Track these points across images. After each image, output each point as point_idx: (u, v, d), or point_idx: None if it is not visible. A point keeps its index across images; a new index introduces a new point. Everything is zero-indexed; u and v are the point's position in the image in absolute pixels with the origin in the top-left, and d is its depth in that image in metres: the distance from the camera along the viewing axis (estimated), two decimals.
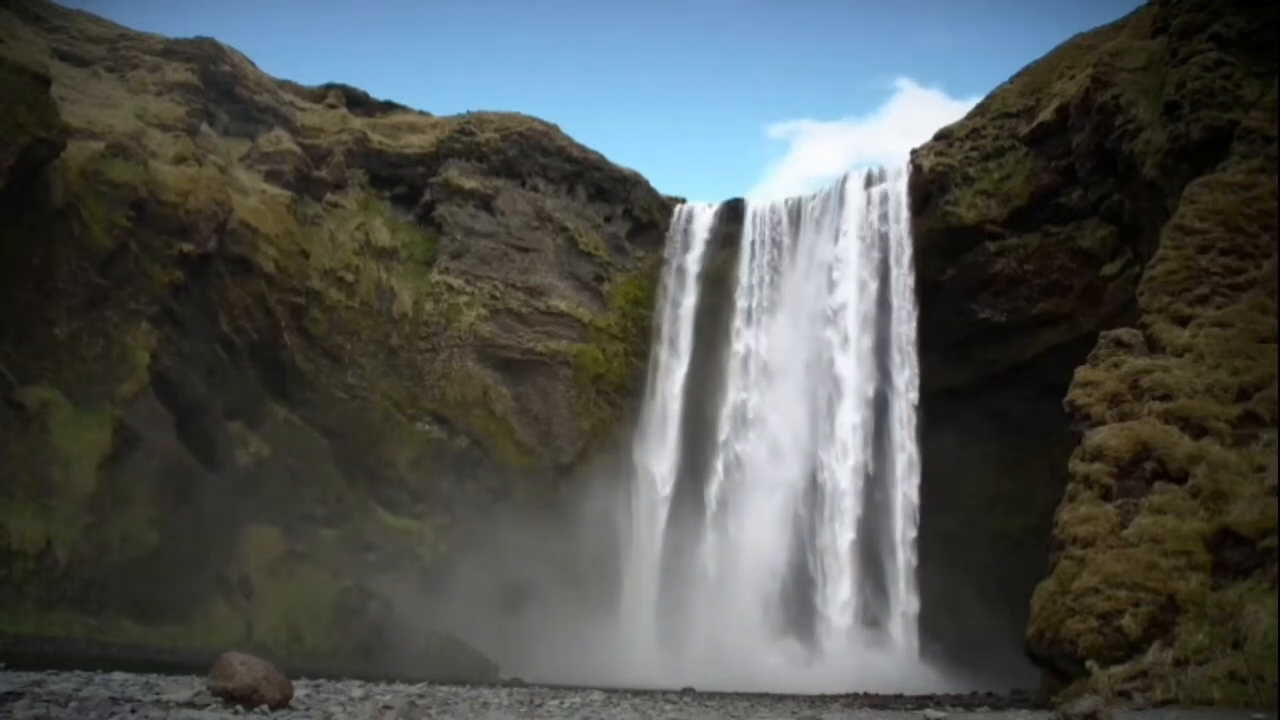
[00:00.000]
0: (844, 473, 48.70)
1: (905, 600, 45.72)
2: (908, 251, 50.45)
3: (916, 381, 48.74)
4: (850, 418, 49.46)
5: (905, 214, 51.23)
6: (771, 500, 50.84)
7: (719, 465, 53.35)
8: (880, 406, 49.42)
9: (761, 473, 52.06)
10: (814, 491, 49.39)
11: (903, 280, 50.31)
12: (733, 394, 54.44)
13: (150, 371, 45.94)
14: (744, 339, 55.31)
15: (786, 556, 49.21)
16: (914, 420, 48.26)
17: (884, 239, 51.68)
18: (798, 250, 55.84)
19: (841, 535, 47.66)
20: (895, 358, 49.62)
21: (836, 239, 53.03)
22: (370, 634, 46.81)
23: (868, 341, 50.44)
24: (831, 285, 52.18)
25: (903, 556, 46.45)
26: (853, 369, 50.17)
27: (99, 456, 42.22)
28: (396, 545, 53.09)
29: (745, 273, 56.66)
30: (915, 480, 47.32)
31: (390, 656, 44.45)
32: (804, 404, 51.28)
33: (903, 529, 46.92)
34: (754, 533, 50.92)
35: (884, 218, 52.07)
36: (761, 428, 53.11)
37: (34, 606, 38.20)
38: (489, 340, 58.19)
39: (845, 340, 50.80)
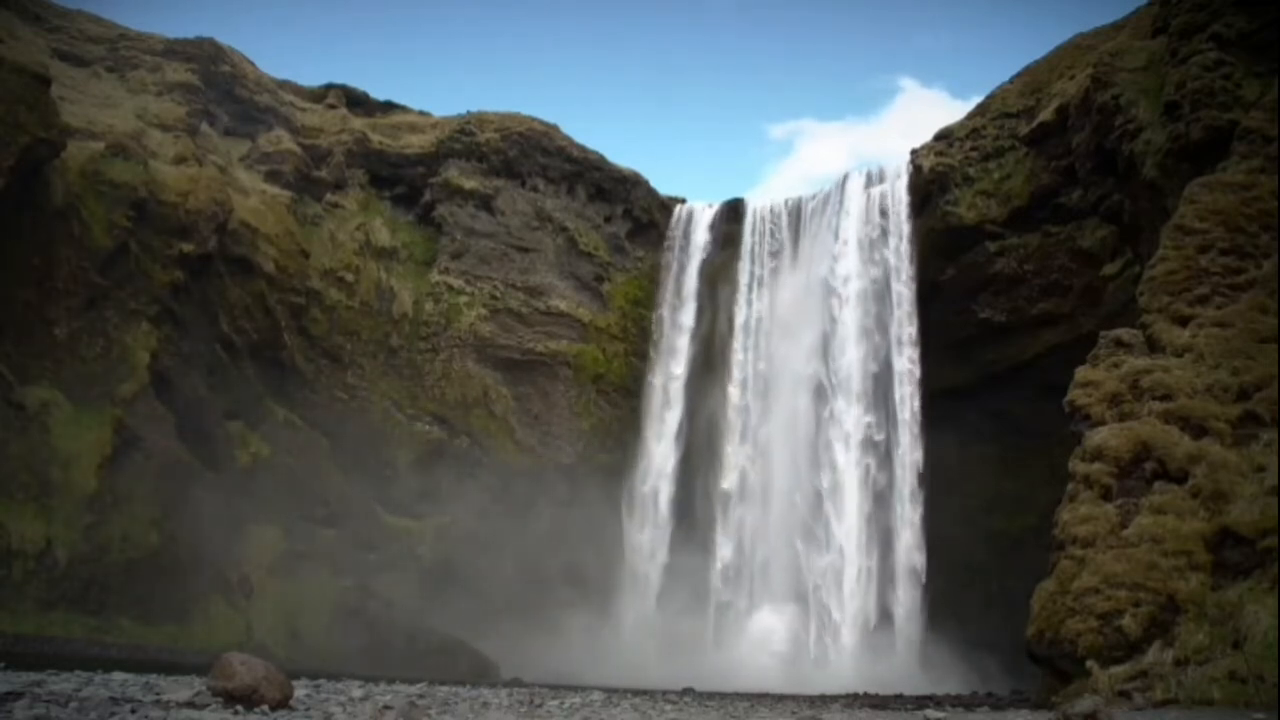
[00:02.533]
0: (845, 471, 48.68)
1: (906, 600, 45.73)
2: (907, 251, 50.46)
3: (917, 381, 48.74)
4: (851, 417, 49.46)
5: (905, 214, 51.24)
6: (773, 499, 50.87)
7: (720, 464, 53.33)
8: (881, 406, 49.41)
9: (763, 471, 52.07)
10: (815, 490, 49.37)
11: (903, 280, 50.31)
12: (733, 393, 54.42)
13: (150, 371, 45.94)
14: (745, 336, 55.30)
15: (788, 555, 49.21)
16: (915, 420, 48.25)
17: (884, 239, 51.67)
18: (798, 250, 55.85)
19: (843, 534, 47.65)
20: (895, 357, 49.61)
21: (836, 239, 53.01)
22: (370, 634, 46.78)
23: (868, 341, 50.45)
24: (831, 284, 52.17)
25: (904, 556, 46.45)
26: (853, 368, 50.17)
27: (99, 456, 42.21)
28: (396, 545, 53.07)
29: (745, 272, 56.66)
30: (916, 479, 47.32)
31: (390, 656, 44.43)
32: (804, 403, 51.26)
33: (904, 528, 46.92)
34: (755, 532, 50.96)
35: (884, 218, 52.07)
36: (762, 427, 53.10)
37: (34, 606, 38.18)
38: (489, 340, 58.18)
39: (845, 340, 50.79)
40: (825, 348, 51.23)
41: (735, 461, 53.01)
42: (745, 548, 51.05)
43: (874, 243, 51.87)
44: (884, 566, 46.87)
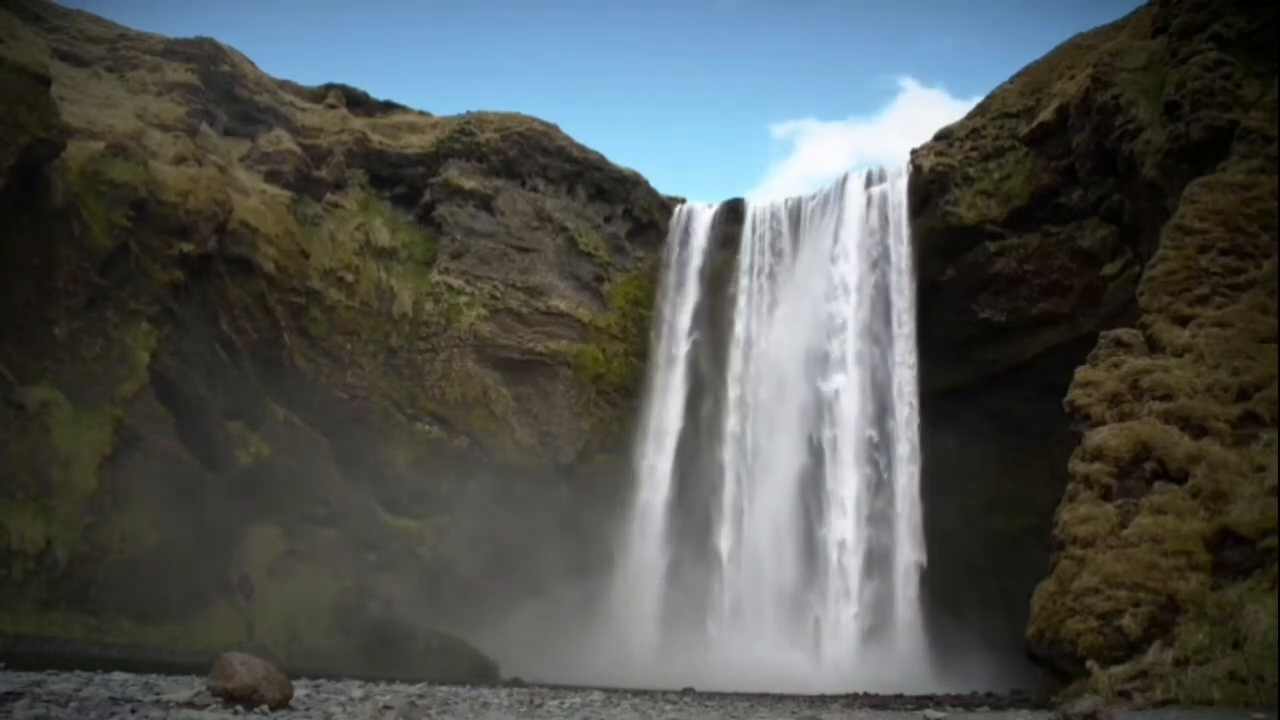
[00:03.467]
0: (845, 470, 48.70)
1: (906, 599, 45.72)
2: (907, 251, 50.44)
3: (917, 380, 48.74)
4: (851, 417, 49.45)
5: (905, 214, 51.20)
6: (772, 497, 50.83)
7: (720, 464, 53.32)
8: (880, 405, 49.41)
9: (763, 471, 52.04)
10: (816, 489, 49.38)
11: (903, 280, 50.30)
12: (733, 392, 54.41)
13: (150, 371, 45.96)
14: (744, 337, 55.29)
15: (788, 554, 49.20)
16: (914, 419, 48.25)
17: (884, 239, 51.65)
18: (798, 250, 55.83)
19: (843, 533, 47.65)
20: (895, 357, 49.61)
21: (836, 239, 53.00)
22: (370, 634, 46.80)
23: (867, 341, 50.43)
24: (831, 285, 52.14)
25: (903, 554, 46.45)
26: (853, 368, 50.14)
27: (99, 456, 42.22)
28: (396, 545, 53.10)
29: (745, 272, 56.66)
30: (916, 478, 47.32)
31: (390, 656, 44.44)
32: (804, 403, 51.24)
33: (903, 527, 46.91)
34: (755, 530, 50.95)
35: (884, 218, 52.05)
36: (762, 428, 53.06)
37: (34, 606, 38.20)
38: (489, 340, 58.19)
39: (845, 340, 50.78)
40: (825, 351, 51.17)
41: (734, 464, 52.96)
42: (746, 544, 50.97)
43: (874, 243, 51.85)
44: (884, 564, 46.84)
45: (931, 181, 50.08)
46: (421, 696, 18.18)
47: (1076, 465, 23.49)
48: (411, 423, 56.35)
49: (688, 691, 33.54)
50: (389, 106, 66.44)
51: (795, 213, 56.97)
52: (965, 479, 48.60)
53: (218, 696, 12.72)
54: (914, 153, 52.48)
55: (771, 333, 54.74)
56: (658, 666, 43.08)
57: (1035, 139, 46.81)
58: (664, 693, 30.44)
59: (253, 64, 62.74)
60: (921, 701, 27.52)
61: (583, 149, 63.49)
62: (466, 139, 62.16)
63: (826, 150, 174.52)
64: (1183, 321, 25.87)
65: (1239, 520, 20.17)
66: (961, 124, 51.44)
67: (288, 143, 58.84)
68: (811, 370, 51.34)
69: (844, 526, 47.81)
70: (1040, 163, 46.49)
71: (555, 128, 63.88)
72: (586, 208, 62.63)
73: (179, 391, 47.72)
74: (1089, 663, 19.53)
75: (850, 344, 50.58)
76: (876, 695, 30.98)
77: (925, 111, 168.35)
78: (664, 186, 68.45)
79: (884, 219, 52.03)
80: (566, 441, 57.67)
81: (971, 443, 49.12)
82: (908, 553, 46.36)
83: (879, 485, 48.19)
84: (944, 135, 51.65)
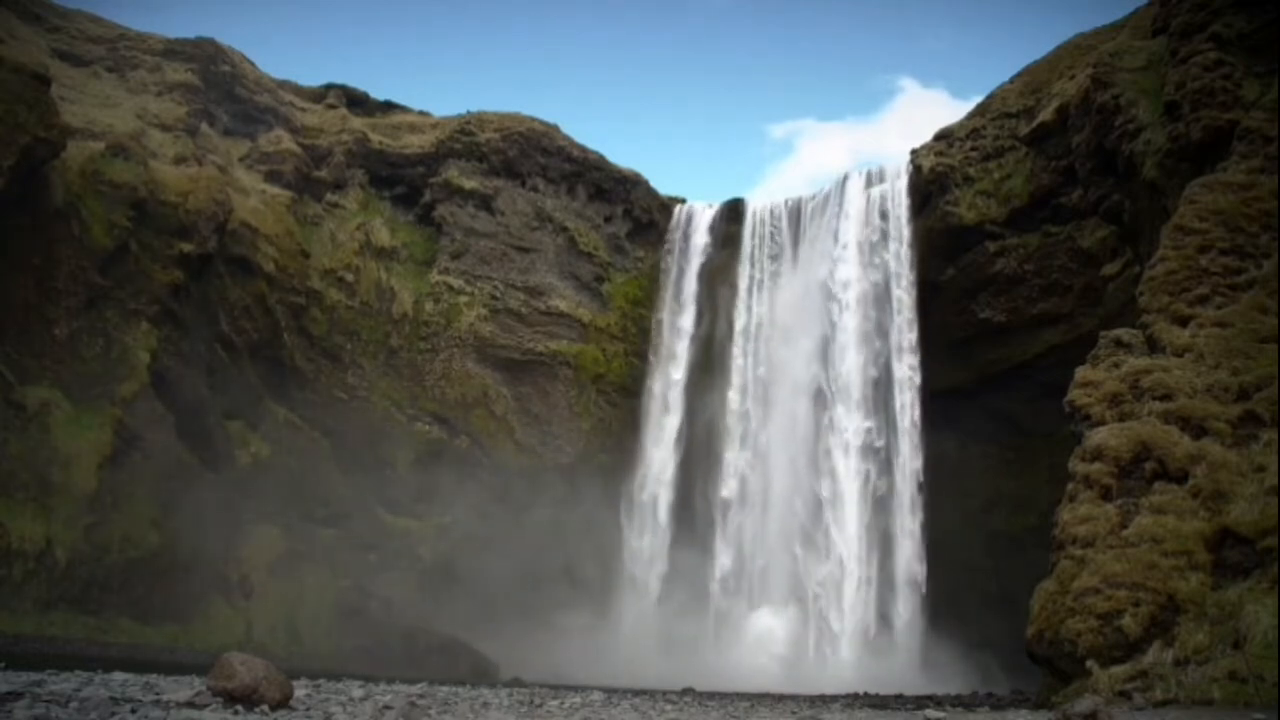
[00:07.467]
0: (845, 470, 48.69)
1: (906, 599, 45.73)
2: (908, 251, 50.47)
3: (917, 380, 48.75)
4: (851, 422, 49.44)
5: (905, 214, 51.25)
6: (773, 496, 50.86)
7: (720, 463, 53.34)
8: (881, 405, 49.42)
9: (762, 477, 52.04)
10: (815, 488, 49.38)
11: (903, 280, 50.32)
12: (734, 392, 54.42)
13: (150, 371, 45.97)
14: (744, 337, 55.30)
15: (788, 554, 49.22)
16: (915, 424, 48.23)
17: (884, 239, 51.68)
18: (798, 251, 55.85)
19: (843, 533, 47.66)
20: (896, 357, 49.63)
21: (836, 239, 53.02)
22: (370, 634, 46.80)
23: (868, 342, 50.45)
24: (831, 284, 52.17)
25: (904, 555, 46.46)
26: (853, 368, 50.16)
27: (99, 456, 42.24)
28: (396, 545, 53.11)
29: (745, 272, 56.67)
30: (917, 478, 47.33)
31: (390, 656, 44.43)
32: (804, 408, 51.23)
33: (904, 527, 46.92)
34: (755, 531, 50.95)
35: (884, 218, 52.07)
36: (762, 432, 53.05)
37: (34, 606, 38.22)
38: (489, 340, 58.19)
39: (845, 343, 50.78)
40: (825, 352, 51.18)
41: (734, 468, 52.96)
42: (745, 553, 50.98)
43: (874, 243, 51.86)
44: (884, 570, 46.82)
45: (931, 181, 50.10)
46: (421, 696, 18.17)
47: (1076, 465, 23.48)
48: (411, 423, 56.34)
49: (688, 691, 33.54)
50: (389, 106, 66.44)
51: (795, 213, 56.99)
52: (965, 479, 48.62)
53: (218, 696, 12.72)
54: (914, 153, 52.51)
55: (772, 332, 54.74)
56: (658, 665, 43.08)
57: (1035, 139, 46.83)
58: (664, 693, 30.44)
59: (253, 64, 62.75)
60: (921, 701, 27.52)
61: (583, 149, 63.47)
62: (466, 139, 62.15)
63: (825, 150, 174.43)
64: (1183, 321, 25.86)
65: (1239, 520, 20.16)
66: (961, 124, 51.48)
67: (288, 143, 58.85)
68: (812, 369, 51.35)
69: (845, 526, 47.84)
70: (1040, 163, 46.52)
71: (555, 128, 63.87)
72: (586, 208, 62.60)
73: (179, 391, 47.71)
74: (1089, 663, 19.53)
75: (850, 343, 50.59)
76: (876, 695, 30.99)
77: (924, 111, 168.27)
78: (664, 186, 68.46)
79: (884, 219, 52.05)
80: (566, 441, 57.66)
81: (971, 443, 49.13)
82: (907, 553, 46.42)
83: (879, 484, 48.18)
84: (944, 135, 51.69)
